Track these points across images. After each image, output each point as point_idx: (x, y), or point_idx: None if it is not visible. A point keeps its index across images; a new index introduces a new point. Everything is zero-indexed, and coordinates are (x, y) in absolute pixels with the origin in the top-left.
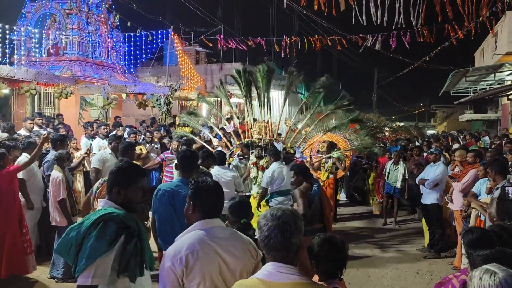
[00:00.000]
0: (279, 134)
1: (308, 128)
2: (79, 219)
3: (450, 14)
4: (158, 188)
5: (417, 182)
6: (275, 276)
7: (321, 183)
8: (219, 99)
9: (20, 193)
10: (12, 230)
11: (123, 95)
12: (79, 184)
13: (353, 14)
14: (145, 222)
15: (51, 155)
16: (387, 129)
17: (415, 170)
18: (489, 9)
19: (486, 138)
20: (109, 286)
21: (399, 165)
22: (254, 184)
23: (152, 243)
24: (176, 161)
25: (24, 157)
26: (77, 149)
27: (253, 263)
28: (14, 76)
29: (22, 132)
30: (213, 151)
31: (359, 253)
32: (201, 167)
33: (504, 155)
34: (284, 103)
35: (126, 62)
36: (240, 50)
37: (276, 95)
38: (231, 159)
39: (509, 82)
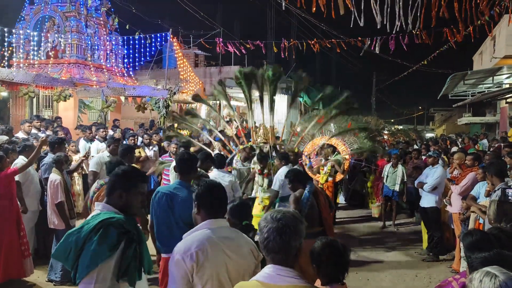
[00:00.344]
0: (278, 138)
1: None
2: (78, 222)
3: (447, 15)
4: (157, 191)
5: (415, 185)
6: (274, 278)
7: (320, 186)
8: (218, 102)
9: None
10: (10, 233)
11: (122, 98)
12: (77, 187)
13: (352, 18)
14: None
15: (49, 158)
16: (386, 132)
17: (414, 173)
18: (488, 13)
19: (485, 141)
20: None
21: (398, 168)
22: (261, 191)
23: (150, 246)
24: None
25: (20, 160)
26: (76, 152)
27: (254, 263)
28: (13, 79)
29: (20, 135)
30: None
31: (358, 256)
32: (199, 170)
33: (503, 158)
34: (289, 112)
35: (125, 65)
36: (239, 53)
37: (277, 98)
38: (233, 166)
39: (507, 85)
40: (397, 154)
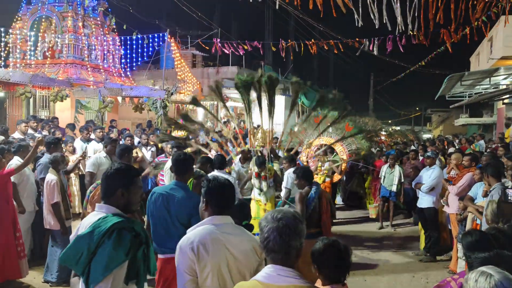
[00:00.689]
0: (277, 138)
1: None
2: (74, 223)
3: (442, 21)
4: (152, 191)
5: (413, 186)
6: (274, 278)
7: None
8: (215, 102)
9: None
10: (6, 234)
11: (119, 99)
12: (74, 187)
13: (350, 19)
14: None
15: (45, 158)
16: (383, 133)
17: (412, 173)
18: (485, 14)
19: (482, 142)
20: None
21: (395, 168)
22: (259, 194)
23: None
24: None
25: (15, 160)
26: (73, 152)
27: (257, 260)
28: (9, 79)
29: (17, 135)
30: (210, 154)
31: (355, 256)
32: (197, 169)
33: (500, 159)
34: (289, 116)
35: (122, 65)
36: (237, 54)
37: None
38: (232, 167)
39: (504, 86)
40: (394, 154)
